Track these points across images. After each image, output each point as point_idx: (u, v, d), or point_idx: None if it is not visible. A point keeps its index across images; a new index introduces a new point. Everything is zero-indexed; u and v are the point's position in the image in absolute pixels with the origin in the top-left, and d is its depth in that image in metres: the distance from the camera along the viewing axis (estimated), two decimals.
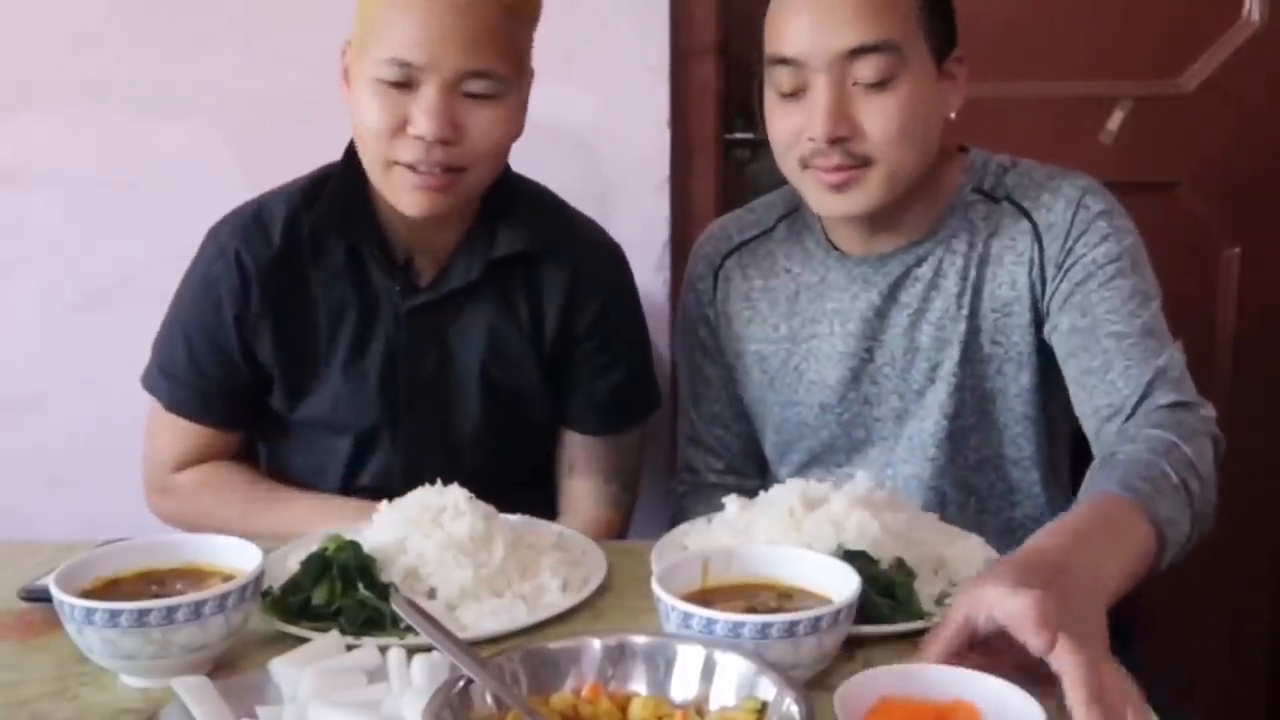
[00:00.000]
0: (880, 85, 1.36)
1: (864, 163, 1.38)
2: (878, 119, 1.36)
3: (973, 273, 1.46)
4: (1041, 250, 1.42)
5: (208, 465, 1.54)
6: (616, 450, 1.60)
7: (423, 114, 1.36)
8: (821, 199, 1.43)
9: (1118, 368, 1.34)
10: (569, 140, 1.59)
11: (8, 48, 1.98)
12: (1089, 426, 1.37)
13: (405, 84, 1.36)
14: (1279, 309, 2.19)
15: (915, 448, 1.50)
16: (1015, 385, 1.47)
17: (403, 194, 1.41)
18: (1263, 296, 2.19)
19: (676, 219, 2.04)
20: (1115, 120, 2.12)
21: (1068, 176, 1.46)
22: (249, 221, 1.51)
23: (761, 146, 2.12)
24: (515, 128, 1.45)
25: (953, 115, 1.43)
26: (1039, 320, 1.44)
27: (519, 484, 1.50)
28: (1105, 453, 1.28)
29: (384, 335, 1.50)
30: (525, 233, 1.50)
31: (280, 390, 1.51)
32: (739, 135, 2.14)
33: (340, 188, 1.48)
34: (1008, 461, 1.52)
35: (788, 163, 1.44)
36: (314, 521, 1.39)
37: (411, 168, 1.38)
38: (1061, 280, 1.41)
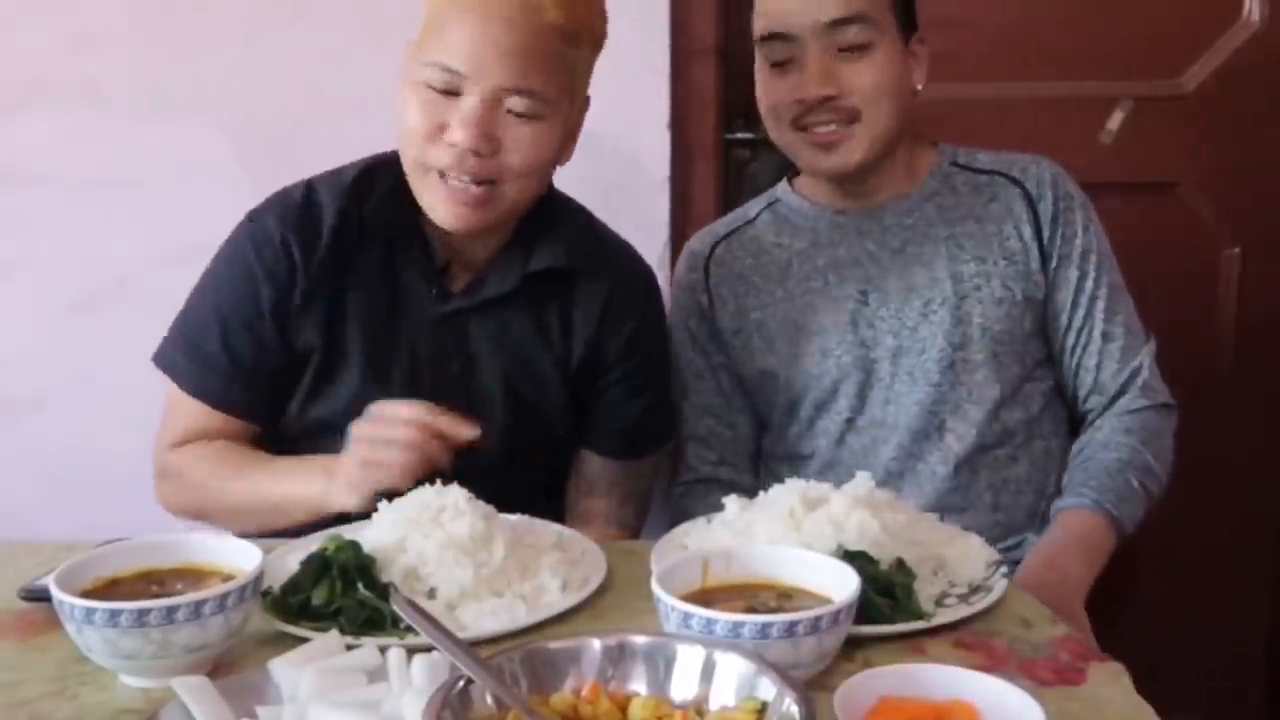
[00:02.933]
0: (860, 50, 1.55)
1: (851, 119, 1.56)
2: (860, 78, 1.55)
3: (970, 225, 1.62)
4: (1036, 215, 1.61)
5: (201, 441, 1.52)
6: (633, 474, 1.60)
7: (459, 123, 1.35)
8: (813, 156, 1.60)
9: (1105, 360, 1.61)
10: None
11: (8, 48, 1.98)
12: (1069, 384, 1.65)
13: (449, 91, 1.36)
14: (1279, 309, 2.19)
15: (917, 378, 1.60)
16: (1020, 329, 1.60)
17: (436, 204, 1.41)
18: (1263, 296, 2.19)
19: (676, 219, 2.04)
20: (1115, 120, 2.12)
21: (1032, 156, 1.66)
22: (300, 210, 1.48)
23: (761, 146, 2.14)
24: (556, 151, 1.43)
25: (919, 87, 1.62)
26: (1045, 272, 1.61)
27: (534, 497, 1.47)
28: (1085, 447, 1.60)
29: (411, 338, 1.49)
30: (563, 249, 1.49)
31: (302, 385, 1.49)
32: (739, 135, 2.14)
33: (393, 185, 1.46)
34: (1009, 405, 1.61)
35: (781, 127, 1.61)
36: (284, 477, 1.44)
37: (444, 177, 1.38)
38: (1056, 251, 1.61)
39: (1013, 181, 1.63)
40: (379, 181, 1.48)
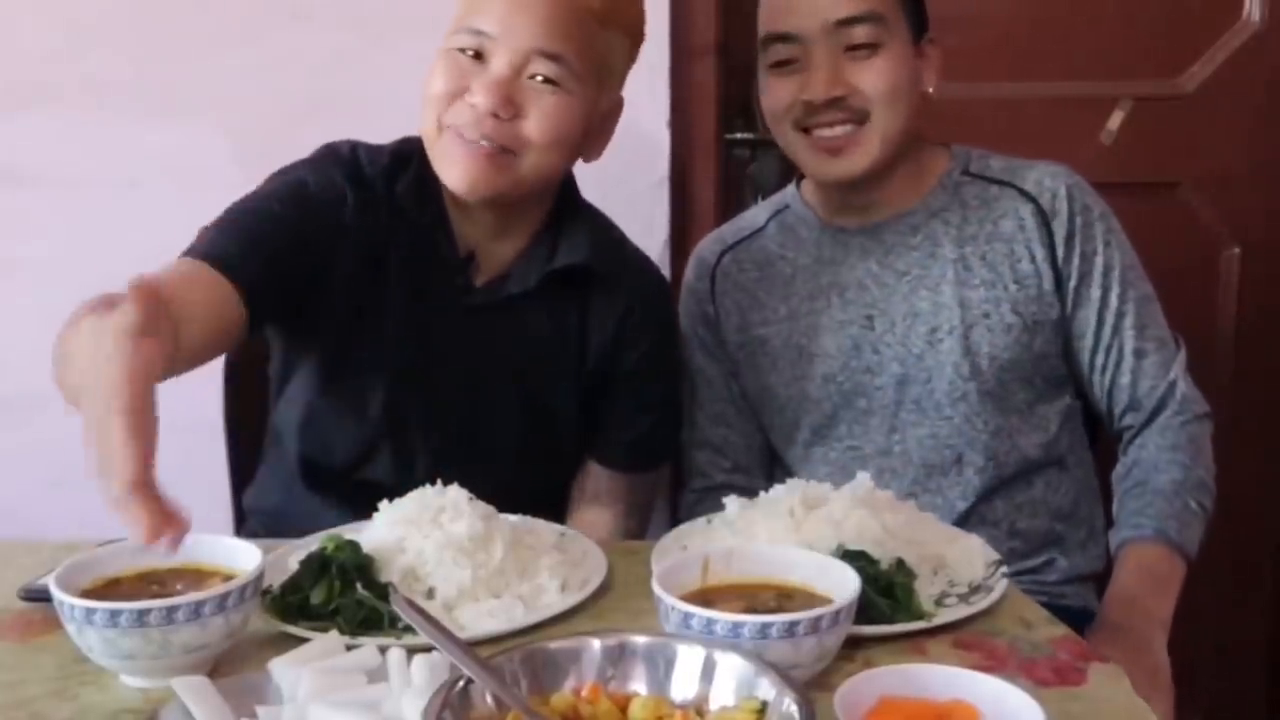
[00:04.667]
0: (870, 49, 1.50)
1: (861, 119, 1.50)
2: (870, 78, 1.50)
3: (980, 246, 1.56)
4: (1050, 233, 1.55)
5: None
6: (639, 486, 1.59)
7: (482, 86, 1.35)
8: (819, 162, 1.54)
9: (1140, 378, 1.56)
10: None
11: (8, 48, 1.98)
12: (1102, 402, 1.59)
13: (477, 55, 1.36)
14: (1279, 309, 2.19)
15: (926, 410, 1.55)
16: (1029, 353, 1.55)
17: (450, 165, 1.39)
18: (1263, 296, 2.19)
19: (676, 219, 2.04)
20: (1115, 120, 2.12)
21: (1049, 164, 1.60)
22: (358, 173, 1.45)
23: (761, 146, 2.14)
24: (577, 131, 1.41)
25: (930, 90, 1.56)
26: (1061, 293, 1.55)
27: (543, 504, 1.43)
28: (1134, 469, 1.55)
29: (433, 330, 1.47)
30: (586, 245, 1.47)
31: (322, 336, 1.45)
32: (739, 135, 2.14)
33: (423, 169, 1.44)
34: (1024, 432, 1.56)
35: (784, 129, 1.55)
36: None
37: (460, 134, 1.36)
38: (1075, 270, 1.54)
39: (1025, 196, 1.56)
40: (411, 164, 1.46)
